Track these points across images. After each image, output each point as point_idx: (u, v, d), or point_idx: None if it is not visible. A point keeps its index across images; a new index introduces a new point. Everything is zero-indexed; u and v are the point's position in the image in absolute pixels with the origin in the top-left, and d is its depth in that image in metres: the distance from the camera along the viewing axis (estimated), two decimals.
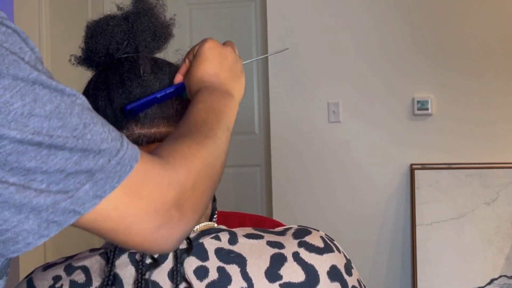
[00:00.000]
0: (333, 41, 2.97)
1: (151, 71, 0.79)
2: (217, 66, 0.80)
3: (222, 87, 0.79)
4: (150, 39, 0.82)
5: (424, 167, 2.84)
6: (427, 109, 2.87)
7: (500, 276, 2.68)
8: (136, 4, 0.82)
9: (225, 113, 0.74)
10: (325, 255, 0.74)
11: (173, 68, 0.82)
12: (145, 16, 0.81)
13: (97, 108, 0.77)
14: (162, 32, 0.83)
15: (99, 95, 0.78)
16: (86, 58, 0.82)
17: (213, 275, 0.71)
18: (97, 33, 0.80)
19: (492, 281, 2.68)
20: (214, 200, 0.85)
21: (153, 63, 0.80)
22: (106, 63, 0.81)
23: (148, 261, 0.73)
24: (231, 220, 1.46)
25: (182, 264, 0.72)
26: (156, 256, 0.73)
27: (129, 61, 0.80)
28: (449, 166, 2.81)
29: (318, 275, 0.72)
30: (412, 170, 2.84)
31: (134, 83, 0.77)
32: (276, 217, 2.90)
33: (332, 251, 0.75)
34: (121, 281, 0.72)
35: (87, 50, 0.82)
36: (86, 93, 0.80)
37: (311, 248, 0.74)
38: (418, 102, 2.87)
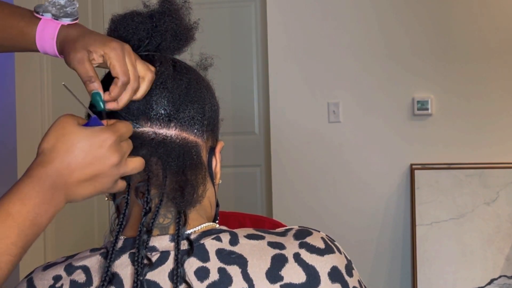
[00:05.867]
0: (333, 41, 2.97)
1: (172, 71, 0.80)
2: (78, 161, 0.67)
3: (61, 189, 0.67)
4: (171, 39, 0.82)
5: (424, 167, 2.84)
6: (427, 109, 2.87)
7: (500, 276, 2.68)
8: (163, 3, 0.83)
9: (29, 234, 0.64)
10: (326, 256, 0.74)
11: (192, 72, 0.82)
12: (169, 16, 0.82)
13: None
14: (183, 34, 0.83)
15: None
16: None
17: (213, 276, 0.71)
18: (121, 27, 0.81)
19: (492, 281, 2.68)
20: (217, 205, 0.85)
21: (173, 64, 0.80)
22: None
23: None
24: (231, 220, 1.47)
25: (182, 264, 0.72)
26: (153, 257, 0.73)
27: (149, 59, 0.80)
28: (449, 166, 2.81)
29: (319, 276, 0.72)
30: (412, 170, 2.84)
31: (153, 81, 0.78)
32: (276, 217, 2.90)
33: (333, 252, 0.75)
34: (121, 281, 0.72)
35: None
36: (102, 84, 0.80)
37: (312, 249, 0.74)
38: (418, 102, 2.87)
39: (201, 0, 3.47)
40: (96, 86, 0.74)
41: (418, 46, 2.90)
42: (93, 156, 0.67)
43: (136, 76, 0.75)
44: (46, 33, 0.80)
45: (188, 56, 0.86)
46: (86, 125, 0.70)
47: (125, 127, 0.71)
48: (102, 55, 0.75)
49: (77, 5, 0.80)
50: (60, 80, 3.29)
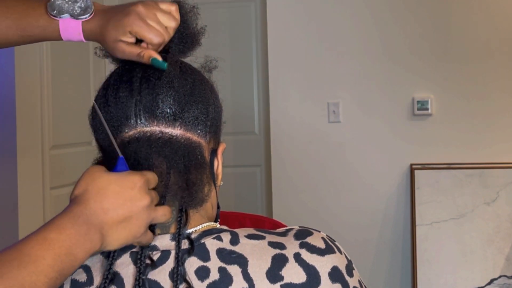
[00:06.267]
0: (333, 41, 2.97)
1: (178, 71, 0.80)
2: (111, 201, 0.69)
3: (96, 227, 0.68)
4: (177, 41, 0.83)
5: (424, 167, 2.84)
6: (427, 109, 2.87)
7: (500, 276, 2.68)
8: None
9: (65, 260, 0.65)
10: (326, 256, 0.74)
11: (196, 73, 0.83)
12: None
13: (117, 98, 0.77)
14: (189, 39, 0.84)
15: (121, 86, 0.78)
16: None
17: (214, 275, 0.71)
18: None
19: (492, 281, 2.68)
20: (218, 207, 0.85)
21: (179, 64, 0.81)
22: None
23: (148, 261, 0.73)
24: (231, 220, 1.47)
25: (183, 264, 0.72)
26: (153, 256, 0.73)
27: None
28: (449, 166, 2.81)
29: (319, 276, 0.72)
30: (412, 170, 2.84)
31: (159, 81, 0.77)
32: (276, 217, 2.90)
33: (333, 252, 0.75)
34: (122, 280, 0.72)
35: None
36: (107, 83, 0.80)
37: (312, 249, 0.74)
38: (418, 102, 2.88)
39: (201, 0, 3.47)
40: (148, 55, 0.76)
41: (418, 46, 2.90)
42: (125, 197, 0.68)
43: (164, 32, 0.78)
44: (71, 31, 0.81)
45: (191, 57, 0.86)
46: (114, 170, 0.71)
47: (151, 174, 0.73)
48: (130, 34, 0.78)
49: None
50: (60, 78, 3.26)
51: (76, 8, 0.79)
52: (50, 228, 0.66)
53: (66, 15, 0.80)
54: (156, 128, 0.76)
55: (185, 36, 0.83)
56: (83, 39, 0.82)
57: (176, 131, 0.77)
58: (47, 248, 0.64)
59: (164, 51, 0.82)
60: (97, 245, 0.68)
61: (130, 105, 0.76)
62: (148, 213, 0.70)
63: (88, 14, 0.80)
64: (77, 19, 0.80)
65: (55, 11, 0.80)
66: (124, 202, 0.68)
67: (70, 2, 0.80)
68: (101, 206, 0.68)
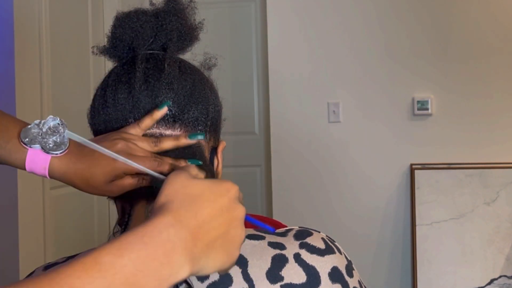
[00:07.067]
0: (333, 41, 2.97)
1: (177, 72, 0.79)
2: (207, 211, 0.56)
3: (185, 246, 0.52)
4: (176, 39, 0.82)
5: (424, 167, 2.84)
6: (427, 109, 2.87)
7: (500, 276, 2.68)
8: (168, 3, 0.83)
9: None
10: (326, 257, 0.74)
11: (196, 72, 0.82)
12: (174, 16, 0.82)
13: (116, 99, 0.77)
14: (188, 34, 0.83)
15: (120, 87, 0.78)
16: (111, 48, 0.82)
17: (214, 276, 0.71)
18: (126, 25, 0.81)
19: (492, 281, 2.68)
20: None
21: (178, 64, 0.80)
22: (130, 57, 0.81)
23: None
24: None
25: None
26: None
27: (154, 59, 0.80)
28: (449, 166, 2.81)
29: (319, 277, 0.72)
30: (412, 170, 2.84)
31: (158, 83, 0.77)
32: (276, 217, 2.90)
33: (333, 252, 0.75)
34: None
35: (112, 39, 0.82)
36: (105, 83, 0.80)
37: (312, 250, 0.74)
38: (418, 102, 2.88)
39: (202, 0, 3.46)
40: (168, 165, 0.73)
41: (418, 46, 2.90)
42: (221, 207, 0.57)
43: (153, 157, 0.73)
44: (37, 164, 0.73)
45: (190, 55, 0.86)
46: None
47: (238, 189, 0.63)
48: (120, 173, 0.72)
49: (66, 129, 0.72)
50: (61, 79, 3.25)
51: (50, 142, 0.72)
52: (108, 248, 0.49)
53: (37, 146, 0.72)
54: (155, 130, 0.76)
55: (184, 32, 0.83)
56: (47, 175, 0.74)
57: (176, 132, 0.77)
58: (94, 275, 0.47)
59: (162, 49, 0.81)
60: (181, 272, 0.51)
61: (129, 107, 0.77)
62: (242, 228, 0.58)
63: (61, 151, 0.72)
64: (47, 153, 0.72)
65: (27, 139, 0.72)
66: (220, 212, 0.56)
67: (45, 134, 0.73)
68: (196, 217, 0.54)
